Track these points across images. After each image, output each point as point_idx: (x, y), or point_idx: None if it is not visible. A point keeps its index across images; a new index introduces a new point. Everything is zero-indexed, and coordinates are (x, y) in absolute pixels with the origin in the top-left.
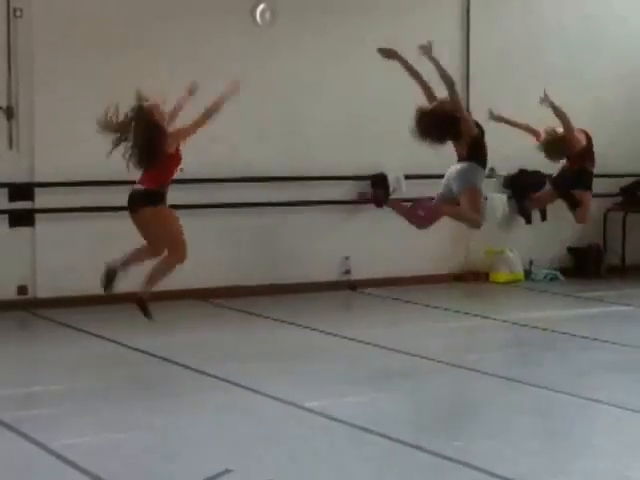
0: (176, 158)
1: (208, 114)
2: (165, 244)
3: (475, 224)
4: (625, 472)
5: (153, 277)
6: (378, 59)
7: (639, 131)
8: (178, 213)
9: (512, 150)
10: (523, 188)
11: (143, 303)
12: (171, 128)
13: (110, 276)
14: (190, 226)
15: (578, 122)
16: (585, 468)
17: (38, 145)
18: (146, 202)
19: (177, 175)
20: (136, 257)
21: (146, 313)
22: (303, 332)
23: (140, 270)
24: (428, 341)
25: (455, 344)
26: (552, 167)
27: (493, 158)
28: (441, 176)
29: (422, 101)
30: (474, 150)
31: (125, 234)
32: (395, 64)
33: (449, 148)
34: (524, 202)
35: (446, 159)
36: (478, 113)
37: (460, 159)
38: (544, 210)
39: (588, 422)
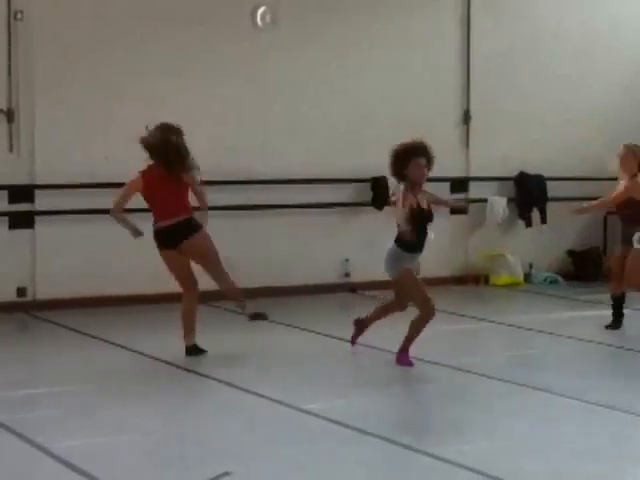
0: (186, 194)
1: (201, 199)
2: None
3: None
4: (623, 477)
5: (189, 322)
6: (378, 63)
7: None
8: None
9: (512, 152)
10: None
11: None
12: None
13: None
14: None
15: (578, 125)
16: (584, 472)
17: (38, 148)
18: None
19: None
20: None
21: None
22: (303, 334)
23: (134, 271)
24: (428, 344)
25: (455, 347)
26: (552, 170)
27: (492, 161)
28: (439, 179)
29: (426, 104)
30: None
31: (124, 237)
32: (392, 67)
33: (447, 153)
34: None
35: (445, 162)
36: (478, 116)
37: None
38: (544, 213)
39: (589, 425)
